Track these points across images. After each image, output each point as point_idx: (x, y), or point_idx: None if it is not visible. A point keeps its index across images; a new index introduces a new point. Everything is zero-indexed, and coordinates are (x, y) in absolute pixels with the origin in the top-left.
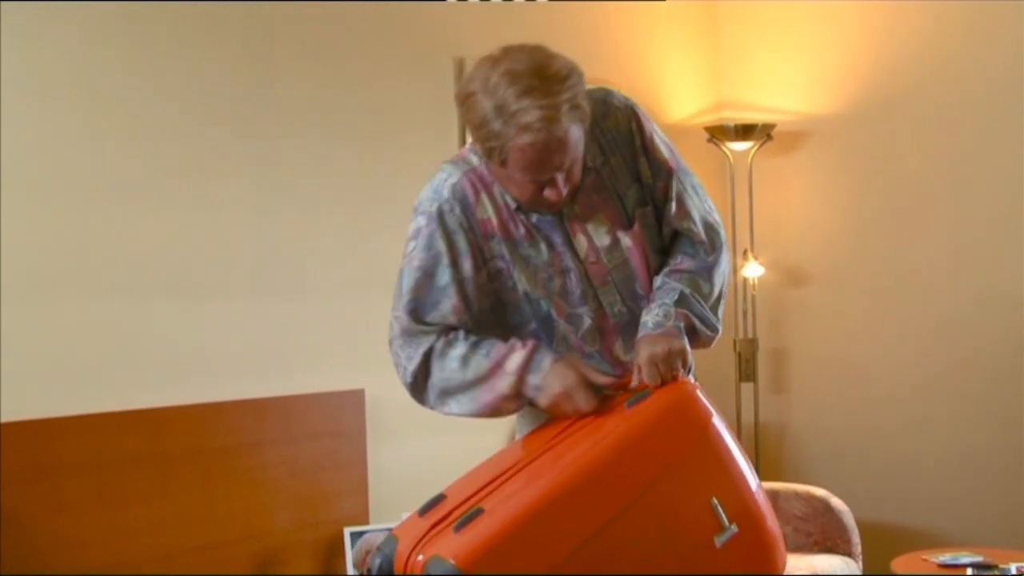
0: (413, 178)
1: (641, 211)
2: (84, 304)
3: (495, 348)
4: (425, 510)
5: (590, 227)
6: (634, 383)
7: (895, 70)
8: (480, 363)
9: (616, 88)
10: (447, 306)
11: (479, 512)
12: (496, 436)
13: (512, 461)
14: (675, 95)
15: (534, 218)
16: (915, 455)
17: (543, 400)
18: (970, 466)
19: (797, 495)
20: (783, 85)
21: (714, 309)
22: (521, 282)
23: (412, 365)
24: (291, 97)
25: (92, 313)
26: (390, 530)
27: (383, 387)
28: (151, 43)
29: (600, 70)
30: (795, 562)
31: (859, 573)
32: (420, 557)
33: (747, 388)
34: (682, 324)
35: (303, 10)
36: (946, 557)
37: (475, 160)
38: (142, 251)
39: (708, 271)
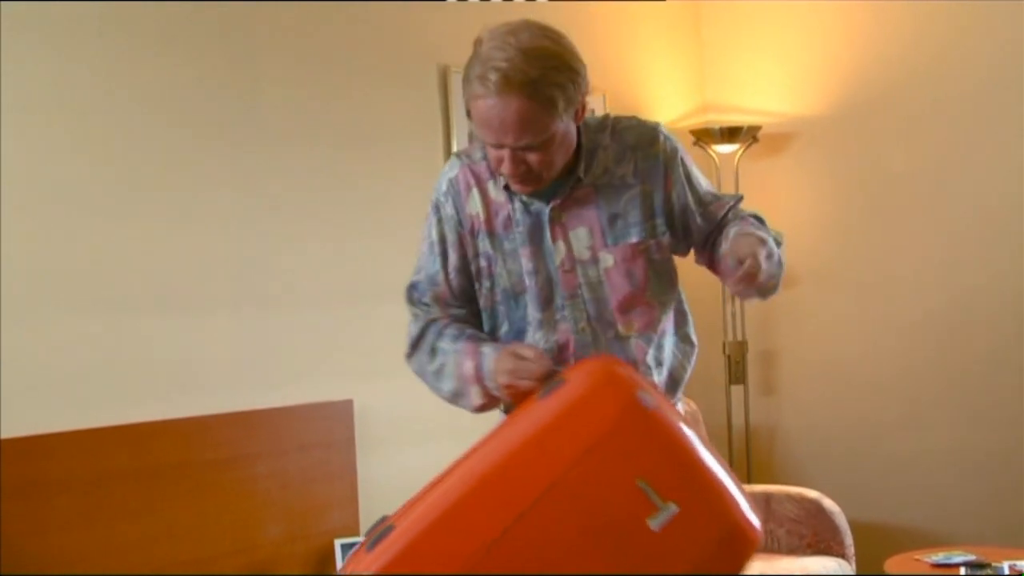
0: (398, 186)
1: (656, 242)
2: (70, 319)
3: (458, 363)
4: (368, 532)
5: (572, 237)
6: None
7: (879, 70)
8: (449, 381)
9: (602, 93)
10: (436, 291)
11: (389, 530)
12: None
13: (441, 475)
14: (660, 98)
15: (518, 209)
16: (907, 455)
17: (501, 393)
18: (962, 465)
19: (789, 497)
20: (768, 87)
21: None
22: (503, 278)
23: (409, 337)
24: (274, 107)
25: (77, 328)
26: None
27: (372, 397)
28: (131, 54)
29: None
30: (788, 564)
31: (852, 574)
32: None
33: (737, 391)
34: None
35: (286, 19)
36: (939, 557)
37: (478, 155)
38: (126, 265)
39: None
